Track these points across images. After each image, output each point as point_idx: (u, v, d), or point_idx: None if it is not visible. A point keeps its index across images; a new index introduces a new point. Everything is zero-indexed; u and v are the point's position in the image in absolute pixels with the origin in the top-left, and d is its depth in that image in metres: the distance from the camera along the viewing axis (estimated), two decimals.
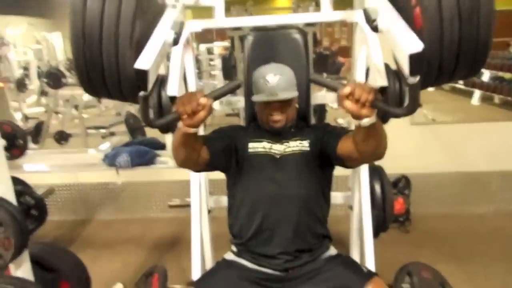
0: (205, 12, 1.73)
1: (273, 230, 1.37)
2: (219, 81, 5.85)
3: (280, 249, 1.37)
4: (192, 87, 1.80)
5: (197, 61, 5.82)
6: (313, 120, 1.88)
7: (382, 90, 1.18)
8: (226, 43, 4.97)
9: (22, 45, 6.49)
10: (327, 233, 1.47)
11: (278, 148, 1.44)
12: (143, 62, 0.92)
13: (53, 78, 4.53)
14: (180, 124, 1.06)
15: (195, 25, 1.63)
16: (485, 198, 3.04)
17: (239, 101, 1.86)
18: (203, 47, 6.34)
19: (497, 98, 7.11)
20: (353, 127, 1.18)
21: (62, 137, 4.59)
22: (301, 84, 1.53)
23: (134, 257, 2.63)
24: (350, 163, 1.33)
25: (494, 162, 2.98)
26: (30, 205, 1.95)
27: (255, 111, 1.51)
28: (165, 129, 1.69)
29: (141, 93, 0.94)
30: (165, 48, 1.05)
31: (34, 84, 5.35)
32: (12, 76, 4.72)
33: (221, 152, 1.38)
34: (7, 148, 2.12)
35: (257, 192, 1.41)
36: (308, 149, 1.43)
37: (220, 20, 1.72)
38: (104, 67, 0.97)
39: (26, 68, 6.04)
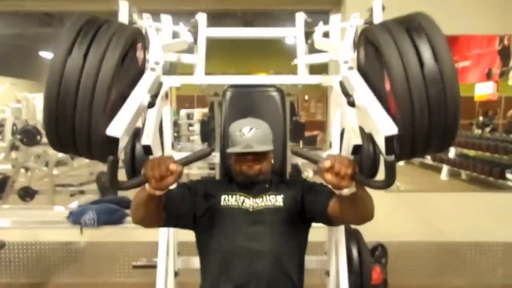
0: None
1: None
2: (197, 146, 5.88)
3: None
4: (167, 143, 1.78)
5: (177, 125, 5.88)
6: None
7: (357, 149, 1.18)
8: (206, 110, 5.09)
9: (1, 103, 6.45)
10: None
11: (251, 203, 1.40)
12: (115, 129, 0.95)
13: (28, 135, 4.43)
14: (146, 184, 1.04)
15: (173, 80, 1.66)
16: (462, 269, 2.98)
17: (215, 156, 1.84)
18: (183, 112, 6.46)
19: (464, 174, 7.42)
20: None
21: (27, 194, 4.37)
22: (277, 141, 1.54)
23: None
24: (337, 223, 1.35)
25: (467, 233, 2.97)
26: None
27: (229, 166, 1.49)
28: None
29: (110, 157, 0.95)
30: (139, 112, 1.07)
31: (6, 141, 5.22)
32: None
33: (180, 214, 1.33)
34: None
35: (228, 246, 1.34)
36: (281, 204, 1.40)
37: (199, 77, 1.77)
38: (76, 131, 0.98)
39: (1, 125, 5.93)
